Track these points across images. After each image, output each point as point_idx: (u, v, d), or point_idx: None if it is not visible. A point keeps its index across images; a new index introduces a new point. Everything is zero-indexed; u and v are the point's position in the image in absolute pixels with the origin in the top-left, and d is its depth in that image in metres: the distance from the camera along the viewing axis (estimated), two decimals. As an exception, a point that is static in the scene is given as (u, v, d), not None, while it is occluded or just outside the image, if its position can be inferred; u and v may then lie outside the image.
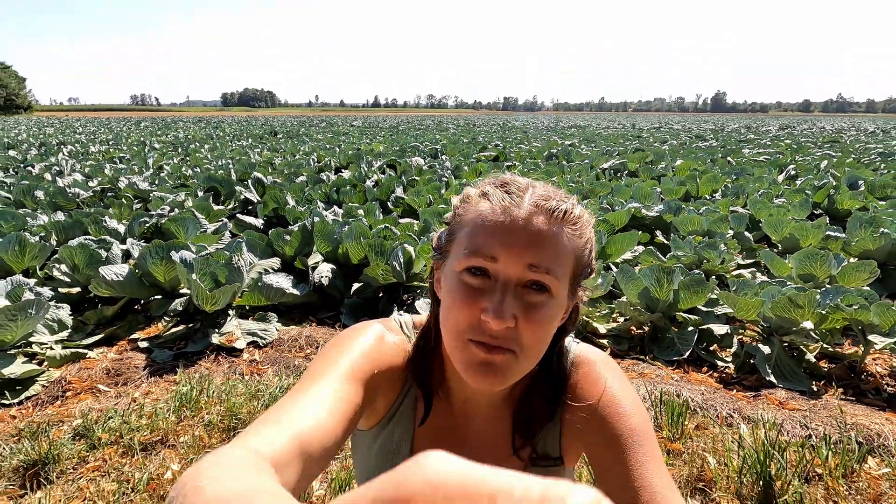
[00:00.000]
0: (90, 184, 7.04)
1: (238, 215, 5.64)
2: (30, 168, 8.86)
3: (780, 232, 4.45)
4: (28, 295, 3.04)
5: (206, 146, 13.55)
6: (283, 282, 3.62)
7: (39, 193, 6.51)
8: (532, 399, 0.72)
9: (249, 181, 6.60)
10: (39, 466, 1.76)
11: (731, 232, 4.62)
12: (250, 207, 6.35)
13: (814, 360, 2.84)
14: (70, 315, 3.35)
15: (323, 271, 3.84)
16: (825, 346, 2.94)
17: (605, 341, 3.18)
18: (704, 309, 3.25)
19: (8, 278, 3.29)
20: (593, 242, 0.66)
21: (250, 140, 16.41)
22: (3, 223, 4.73)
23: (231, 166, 8.29)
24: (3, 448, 1.87)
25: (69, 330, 3.32)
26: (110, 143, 15.49)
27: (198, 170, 8.31)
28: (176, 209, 5.54)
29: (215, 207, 5.80)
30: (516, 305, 0.58)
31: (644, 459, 0.63)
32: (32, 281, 3.36)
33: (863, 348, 2.74)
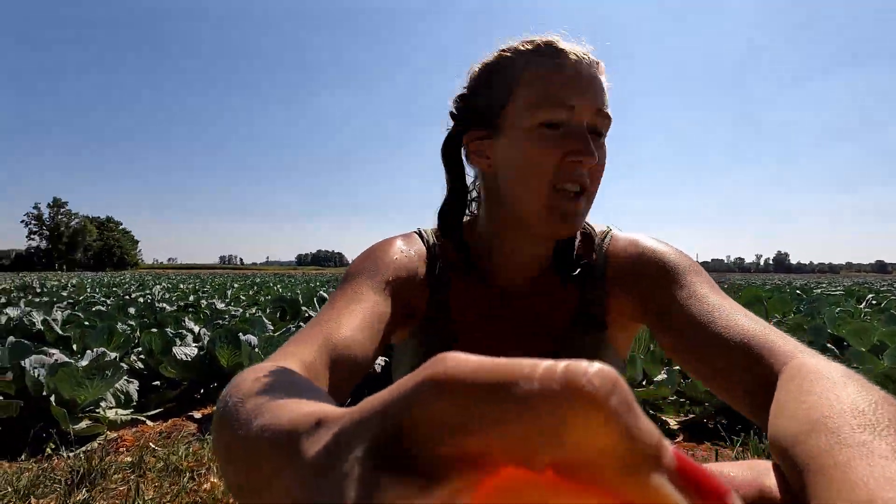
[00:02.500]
0: (177, 303, 7.77)
1: (302, 325, 5.93)
2: (127, 296, 9.98)
3: (867, 340, 4.06)
4: (108, 359, 3.28)
5: (279, 285, 14.75)
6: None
7: (131, 310, 7.27)
8: (567, 248, 0.72)
9: (315, 299, 7.04)
10: (87, 477, 1.77)
11: (809, 340, 4.26)
12: (312, 323, 6.67)
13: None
14: (137, 390, 3.51)
15: (379, 360, 3.88)
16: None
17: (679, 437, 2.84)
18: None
19: (94, 349, 3.59)
20: None
21: (319, 282, 17.71)
22: (99, 321, 5.28)
23: (299, 293, 8.92)
24: (58, 464, 1.91)
25: (133, 407, 3.45)
26: (197, 283, 17.23)
27: (269, 297, 8.99)
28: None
29: (281, 322, 6.17)
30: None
31: (701, 288, 0.60)
32: (114, 354, 3.63)
33: None
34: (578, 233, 0.72)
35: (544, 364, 0.13)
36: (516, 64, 0.64)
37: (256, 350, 3.29)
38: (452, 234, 0.72)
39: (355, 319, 0.57)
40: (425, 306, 0.71)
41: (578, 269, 0.70)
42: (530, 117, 0.62)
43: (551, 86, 0.61)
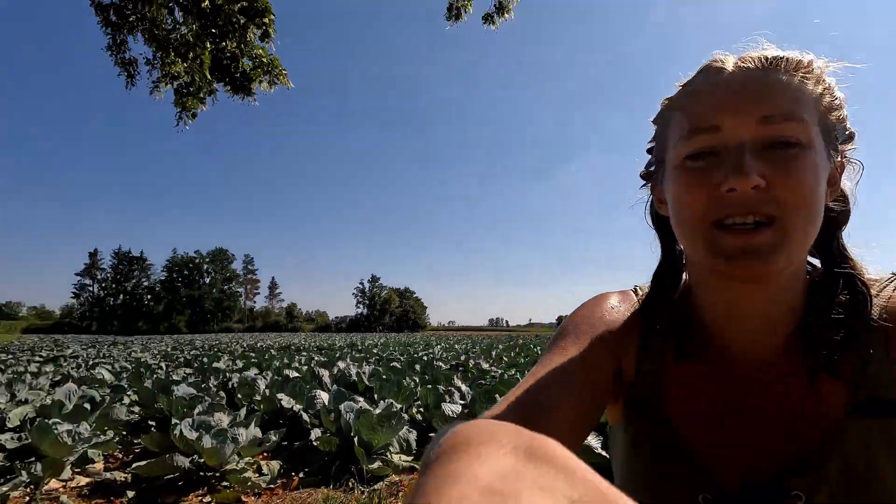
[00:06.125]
0: (450, 362, 8.78)
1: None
2: (416, 354, 11.85)
3: None
4: (394, 410, 3.87)
5: (539, 347, 15.11)
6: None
7: (417, 366, 8.58)
8: (818, 316, 0.52)
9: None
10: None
11: None
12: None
13: None
14: (416, 440, 4.00)
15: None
16: None
17: None
18: None
19: (385, 400, 4.29)
20: (837, 94, 0.51)
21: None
22: (392, 375, 6.36)
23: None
24: (356, 497, 2.27)
25: (413, 454, 3.94)
26: (469, 344, 19.26)
27: (528, 358, 9.26)
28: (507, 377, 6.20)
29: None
30: (761, 164, 0.47)
31: None
32: (399, 405, 4.27)
33: None
34: (845, 287, 0.53)
35: None
36: (674, 98, 0.57)
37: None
38: (659, 301, 0.61)
39: (557, 382, 0.53)
40: (633, 375, 0.61)
41: (831, 350, 0.51)
42: (676, 153, 0.54)
43: (694, 112, 0.52)
